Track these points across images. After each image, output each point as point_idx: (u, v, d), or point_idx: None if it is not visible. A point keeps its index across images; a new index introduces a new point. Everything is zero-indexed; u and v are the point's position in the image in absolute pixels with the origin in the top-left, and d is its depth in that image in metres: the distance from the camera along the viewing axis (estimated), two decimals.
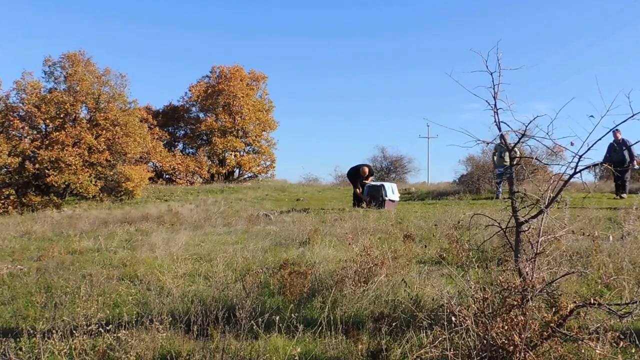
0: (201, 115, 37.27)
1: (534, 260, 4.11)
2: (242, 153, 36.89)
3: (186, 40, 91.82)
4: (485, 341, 3.59)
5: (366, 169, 16.97)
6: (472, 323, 3.64)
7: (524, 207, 4.70)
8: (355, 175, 16.86)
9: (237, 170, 37.24)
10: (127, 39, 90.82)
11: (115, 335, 4.62)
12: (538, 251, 4.16)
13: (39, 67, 29.15)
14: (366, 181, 16.61)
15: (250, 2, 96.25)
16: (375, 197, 15.31)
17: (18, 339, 4.77)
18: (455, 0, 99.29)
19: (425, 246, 7.54)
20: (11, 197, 23.10)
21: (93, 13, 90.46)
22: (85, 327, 4.57)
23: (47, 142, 23.87)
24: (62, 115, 24.56)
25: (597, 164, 4.92)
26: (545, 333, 3.53)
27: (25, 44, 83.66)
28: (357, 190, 16.43)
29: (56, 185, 23.28)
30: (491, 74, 4.68)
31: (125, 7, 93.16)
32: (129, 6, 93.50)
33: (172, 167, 32.86)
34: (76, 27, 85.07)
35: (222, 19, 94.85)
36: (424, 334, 4.32)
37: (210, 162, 35.67)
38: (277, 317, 4.60)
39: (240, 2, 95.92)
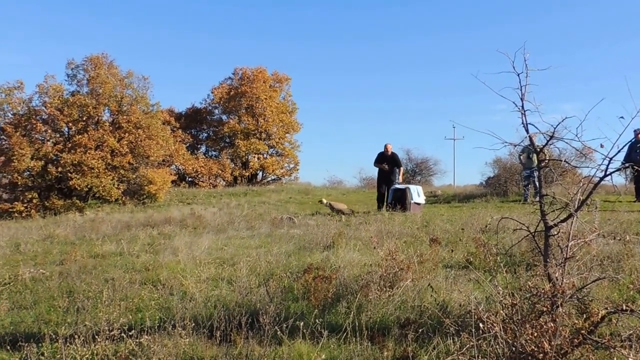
0: (224, 117, 37.49)
1: (564, 265, 4.08)
2: (265, 155, 37.01)
3: (209, 42, 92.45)
4: (514, 348, 3.57)
5: (389, 145, 16.96)
6: (500, 330, 3.62)
7: (553, 211, 4.67)
8: (380, 158, 16.89)
9: (261, 173, 37.36)
10: (150, 41, 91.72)
11: (137, 340, 4.67)
12: (568, 256, 4.12)
13: (62, 70, 29.55)
14: (386, 158, 16.60)
15: (273, 3, 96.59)
16: (401, 200, 15.27)
17: (40, 344, 4.85)
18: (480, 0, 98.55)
19: (452, 250, 7.51)
20: (34, 201, 23.42)
21: (115, 16, 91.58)
22: (107, 332, 4.63)
23: (70, 145, 24.17)
24: (84, 118, 24.86)
25: (627, 166, 4.86)
26: (575, 340, 3.50)
27: (48, 47, 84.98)
28: (384, 166, 16.48)
29: (79, 188, 23.57)
30: (518, 75, 4.66)
31: (148, 9, 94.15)
32: (152, 9, 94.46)
33: (194, 170, 33.08)
34: (99, 30, 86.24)
35: (245, 20, 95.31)
36: (451, 341, 4.30)
37: (233, 165, 35.82)
38: (302, 323, 4.62)
39: (263, 3, 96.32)
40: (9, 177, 23.89)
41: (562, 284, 3.87)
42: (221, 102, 36.60)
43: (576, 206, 4.34)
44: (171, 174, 28.16)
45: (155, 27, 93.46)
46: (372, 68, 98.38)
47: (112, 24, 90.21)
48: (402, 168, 17.03)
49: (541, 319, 3.65)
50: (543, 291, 3.81)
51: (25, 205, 23.08)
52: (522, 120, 4.70)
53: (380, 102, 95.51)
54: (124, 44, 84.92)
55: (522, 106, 4.67)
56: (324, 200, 16.17)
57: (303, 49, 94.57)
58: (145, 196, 25.24)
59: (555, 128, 4.58)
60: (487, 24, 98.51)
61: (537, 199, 15.48)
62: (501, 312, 3.86)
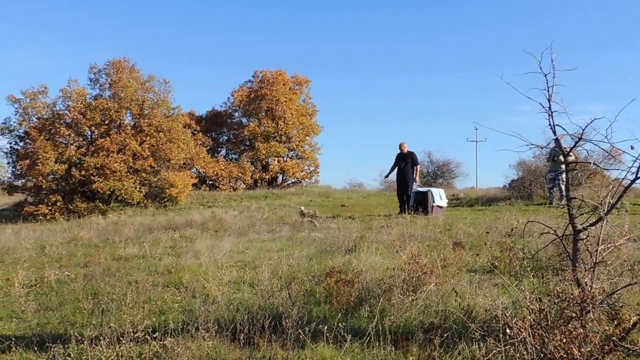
0: (244, 120, 37.56)
1: (593, 270, 4.00)
2: (285, 158, 37.02)
3: (229, 45, 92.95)
4: (542, 355, 3.50)
5: (404, 144, 16.82)
6: (529, 335, 3.55)
7: (582, 214, 4.58)
8: (397, 159, 16.79)
9: (281, 176, 37.39)
10: (170, 44, 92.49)
11: (161, 343, 4.67)
12: (597, 260, 4.04)
13: (85, 73, 29.82)
14: (404, 157, 16.56)
15: (293, 5, 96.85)
16: (422, 203, 15.16)
17: (66, 345, 4.87)
18: (503, 1, 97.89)
19: (477, 254, 7.42)
20: (58, 204, 23.65)
21: (137, 20, 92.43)
22: (132, 334, 4.64)
23: (93, 148, 24.38)
24: (107, 122, 25.06)
25: None
26: (606, 347, 3.42)
27: (70, 51, 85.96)
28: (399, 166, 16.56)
29: (101, 191, 23.76)
30: (545, 75, 4.58)
31: (169, 13, 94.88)
32: (172, 12, 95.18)
33: (215, 173, 33.17)
34: (121, 34, 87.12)
35: (266, 22, 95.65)
36: (477, 346, 4.24)
37: (253, 168, 35.88)
38: (325, 327, 4.58)
39: (283, 5, 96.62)
40: (34, 180, 24.13)
41: (591, 289, 3.79)
42: (241, 105, 36.67)
43: (606, 210, 4.25)
44: (192, 177, 28.25)
45: (175, 31, 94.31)
46: (394, 69, 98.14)
47: (134, 28, 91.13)
48: (418, 166, 16.76)
49: (570, 325, 3.58)
50: (572, 296, 3.74)
51: (49, 208, 23.31)
52: (550, 121, 4.63)
53: (402, 103, 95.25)
54: (145, 47, 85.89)
55: (550, 107, 4.59)
56: (303, 209, 16.50)
57: (324, 50, 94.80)
58: (166, 199, 25.38)
59: (584, 130, 4.49)
60: (511, 25, 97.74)
61: (563, 202, 15.31)
62: (528, 317, 3.79)
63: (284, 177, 37.45)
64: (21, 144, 25.55)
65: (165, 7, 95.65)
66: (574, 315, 3.62)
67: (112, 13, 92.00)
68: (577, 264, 4.36)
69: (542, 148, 15.62)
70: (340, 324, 4.77)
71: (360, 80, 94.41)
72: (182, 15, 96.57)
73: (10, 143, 25.96)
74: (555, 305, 3.84)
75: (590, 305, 3.66)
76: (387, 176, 18.45)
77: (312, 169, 38.14)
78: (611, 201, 4.32)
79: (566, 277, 4.66)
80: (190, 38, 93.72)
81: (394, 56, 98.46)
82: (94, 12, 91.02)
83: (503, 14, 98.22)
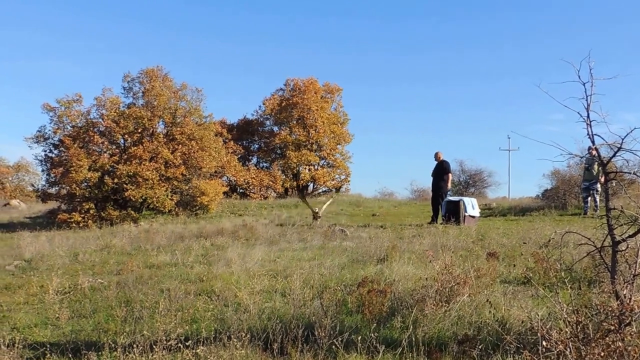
0: (275, 128, 37.70)
1: (633, 282, 3.93)
2: (316, 167, 37.08)
3: (261, 54, 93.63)
4: None
5: (438, 153, 16.83)
6: (566, 348, 3.51)
7: (620, 225, 4.51)
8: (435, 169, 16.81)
9: (311, 185, 37.44)
10: (203, 53, 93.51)
11: (194, 351, 4.71)
12: (637, 272, 3.98)
13: (119, 82, 30.31)
14: (446, 172, 16.52)
15: (326, 13, 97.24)
16: (454, 213, 15.06)
17: (100, 352, 4.94)
18: (535, 10, 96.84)
19: (514, 265, 7.34)
20: (91, 211, 23.96)
21: (171, 28, 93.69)
22: (164, 342, 4.69)
23: (125, 156, 24.68)
24: (139, 130, 25.37)
25: None
26: None
27: (105, 60, 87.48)
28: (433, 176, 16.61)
29: (134, 199, 24.02)
30: (584, 84, 4.53)
31: (202, 21, 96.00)
32: (206, 20, 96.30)
33: (246, 181, 33.36)
34: (154, 42, 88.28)
35: (297, 30, 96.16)
36: (512, 359, 4.20)
37: (284, 176, 36.00)
38: (358, 337, 4.58)
39: (317, 13, 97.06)
40: (67, 188, 24.51)
41: (630, 301, 3.72)
42: (272, 113, 36.83)
43: None
44: (223, 185, 28.43)
45: (208, 39, 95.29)
46: (427, 78, 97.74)
47: (167, 36, 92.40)
48: (449, 175, 16.71)
49: (608, 338, 3.53)
50: (610, 309, 3.69)
51: (82, 215, 23.63)
52: (588, 131, 4.57)
53: (433, 112, 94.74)
54: (178, 55, 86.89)
55: (588, 116, 4.54)
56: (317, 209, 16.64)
57: (356, 59, 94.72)
58: (197, 207, 25.57)
59: (623, 139, 4.43)
60: (548, 35, 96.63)
61: (598, 212, 15.02)
62: (565, 330, 3.74)
63: (315, 186, 37.50)
64: (55, 152, 25.97)
65: (199, 16, 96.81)
66: (612, 328, 3.56)
67: (146, 21, 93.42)
68: (615, 276, 4.30)
69: (581, 158, 15.41)
70: (372, 334, 4.77)
71: (394, 89, 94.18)
72: (216, 23, 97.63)
73: (45, 151, 26.40)
74: (592, 318, 3.79)
75: (630, 318, 3.60)
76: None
77: (342, 177, 38.13)
78: None
79: (604, 289, 4.59)
80: (223, 46, 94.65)
81: (427, 65, 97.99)
82: (129, 20, 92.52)
83: (537, 24, 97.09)
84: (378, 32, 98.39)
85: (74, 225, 22.86)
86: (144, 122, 25.11)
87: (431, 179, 17.00)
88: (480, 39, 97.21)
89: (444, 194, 16.49)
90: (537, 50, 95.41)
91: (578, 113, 4.60)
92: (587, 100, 4.55)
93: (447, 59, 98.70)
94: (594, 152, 13.47)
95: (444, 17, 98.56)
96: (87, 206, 23.98)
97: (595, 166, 15.73)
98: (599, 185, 16.03)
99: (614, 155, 4.76)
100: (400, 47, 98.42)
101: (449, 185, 16.68)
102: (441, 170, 16.63)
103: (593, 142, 4.69)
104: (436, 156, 16.82)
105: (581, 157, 15.44)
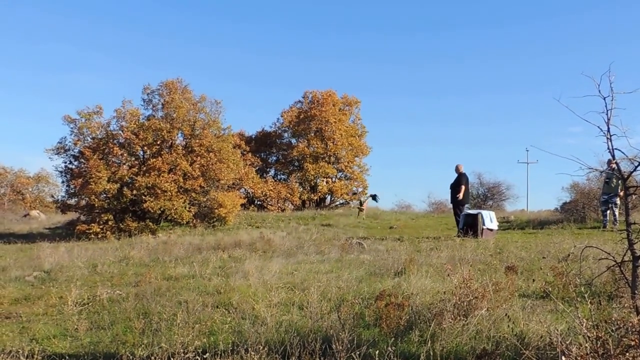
0: (293, 141, 37.82)
1: None
2: (333, 179, 37.11)
3: (280, 66, 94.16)
4: None
5: (458, 166, 16.92)
6: None
7: None
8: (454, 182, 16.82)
9: (329, 197, 37.45)
10: (222, 64, 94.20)
11: None
12: None
13: (139, 94, 30.61)
14: (460, 184, 16.50)
15: (344, 27, 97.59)
16: (472, 226, 15.00)
17: None
18: (560, 23, 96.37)
19: (533, 280, 7.29)
20: (109, 223, 24.13)
21: (190, 40, 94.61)
22: (182, 354, 4.72)
23: (145, 168, 24.84)
24: (159, 142, 25.54)
25: None
26: None
27: (125, 71, 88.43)
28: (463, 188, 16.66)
29: (152, 211, 24.15)
30: (604, 98, 4.52)
31: (221, 33, 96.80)
32: (225, 32, 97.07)
33: (263, 193, 33.45)
34: (174, 54, 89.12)
35: (317, 43, 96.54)
36: None
37: (301, 189, 36.06)
38: (376, 351, 4.57)
39: (334, 27, 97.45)
40: (87, 199, 24.72)
41: None
42: (291, 125, 36.96)
43: None
44: (240, 197, 28.53)
45: (227, 51, 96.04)
46: (446, 91, 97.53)
47: (187, 48, 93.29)
48: (461, 186, 16.77)
49: (629, 354, 3.50)
50: (631, 324, 3.65)
51: (101, 227, 23.80)
52: (608, 145, 4.55)
53: (452, 125, 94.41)
54: (198, 67, 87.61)
55: (608, 130, 4.52)
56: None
57: (375, 71, 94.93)
58: (215, 219, 25.65)
59: None
60: (568, 48, 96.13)
61: (617, 226, 14.85)
62: (585, 345, 3.72)
63: (332, 198, 37.50)
64: (75, 163, 26.21)
65: (218, 28, 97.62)
66: (633, 343, 3.53)
67: (166, 34, 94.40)
68: (636, 291, 4.26)
69: (601, 172, 15.29)
70: (390, 348, 4.75)
71: (412, 101, 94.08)
72: (235, 35, 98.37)
73: (65, 162, 26.69)
74: (613, 333, 3.76)
75: None
76: None
77: (360, 190, 38.10)
78: None
79: (624, 304, 4.55)
80: (242, 58, 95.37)
81: (446, 77, 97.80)
82: (149, 33, 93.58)
83: (560, 36, 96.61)
84: (397, 44, 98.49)
85: (92, 236, 23.03)
86: (163, 134, 25.28)
87: (449, 191, 17.11)
88: (502, 51, 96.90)
89: (460, 206, 16.55)
90: (558, 63, 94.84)
91: (598, 127, 4.59)
92: (607, 114, 4.54)
93: (466, 70, 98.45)
94: (614, 166, 13.39)
95: (466, 29, 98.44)
96: (106, 217, 24.15)
97: (614, 180, 15.62)
98: (618, 199, 15.90)
99: (634, 170, 4.72)
100: (419, 60, 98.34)
101: (461, 195, 16.69)
102: (457, 182, 16.74)
103: (613, 156, 4.67)
104: (456, 169, 16.95)
105: (601, 172, 15.33)
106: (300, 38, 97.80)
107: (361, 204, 17.11)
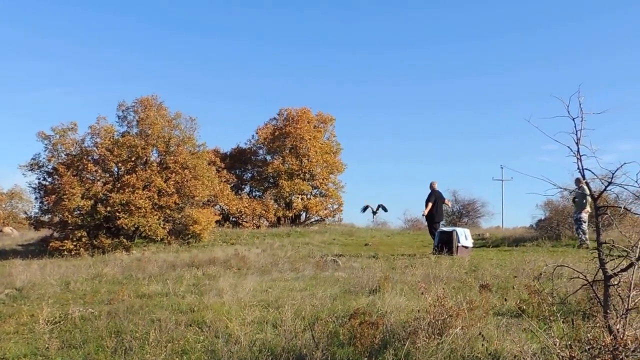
0: (268, 157, 37.77)
1: (626, 317, 3.89)
2: (309, 196, 37.07)
3: (255, 83, 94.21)
4: None
5: (434, 183, 17.01)
6: None
7: (612, 259, 4.48)
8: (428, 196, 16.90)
9: (304, 214, 37.38)
10: (197, 81, 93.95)
11: None
12: (630, 307, 3.94)
13: (113, 111, 30.44)
14: (427, 202, 16.57)
15: (318, 45, 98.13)
16: (447, 243, 15.01)
17: None
18: (532, 41, 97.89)
19: (505, 299, 7.29)
20: (83, 239, 23.85)
21: (165, 57, 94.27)
22: None
23: (119, 185, 24.63)
24: (133, 159, 25.37)
25: None
26: None
27: (101, 89, 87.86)
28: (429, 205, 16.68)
29: (126, 227, 23.91)
30: (573, 119, 4.55)
31: (196, 51, 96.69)
32: (200, 50, 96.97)
33: (238, 210, 33.29)
34: (148, 71, 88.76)
35: (291, 61, 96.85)
36: None
37: (276, 205, 35.96)
38: None
39: (309, 45, 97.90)
40: (60, 215, 24.42)
41: (623, 336, 3.68)
42: (266, 142, 36.93)
43: (637, 255, 4.16)
44: (215, 214, 28.39)
45: (201, 68, 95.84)
46: (418, 108, 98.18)
47: (161, 65, 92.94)
48: (428, 204, 16.87)
49: None
50: (603, 344, 3.64)
51: (74, 243, 23.51)
52: (578, 165, 4.57)
53: (427, 142, 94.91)
54: (172, 84, 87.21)
55: (578, 150, 4.55)
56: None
57: (348, 88, 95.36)
58: (190, 236, 25.47)
59: (613, 174, 4.42)
60: (541, 64, 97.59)
61: (585, 240, 14.96)
62: None
63: (307, 215, 37.44)
64: (49, 179, 25.93)
65: (193, 46, 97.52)
66: None
67: (141, 51, 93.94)
68: (608, 310, 4.26)
69: (571, 192, 15.45)
70: None
71: (388, 119, 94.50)
72: (210, 53, 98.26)
73: (39, 179, 26.41)
74: (586, 353, 3.74)
75: (623, 354, 3.56)
76: None
77: (335, 207, 38.11)
78: None
79: (597, 324, 4.55)
80: (217, 75, 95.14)
81: (421, 95, 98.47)
82: (124, 50, 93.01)
83: (532, 54, 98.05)
84: (370, 62, 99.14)
85: (66, 253, 22.76)
86: (137, 150, 25.11)
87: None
88: (473, 68, 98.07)
89: (435, 223, 16.64)
90: (531, 80, 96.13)
91: (568, 147, 4.62)
92: (577, 134, 4.57)
93: (441, 88, 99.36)
94: (582, 185, 13.53)
95: (436, 47, 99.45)
96: (80, 234, 23.88)
97: (576, 199, 15.95)
98: (583, 215, 16.03)
99: (604, 190, 4.75)
100: (391, 78, 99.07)
101: (425, 212, 16.85)
102: (427, 199, 16.86)
103: (583, 175, 4.70)
104: (430, 186, 17.02)
105: (570, 191, 15.49)
106: (275, 55, 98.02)
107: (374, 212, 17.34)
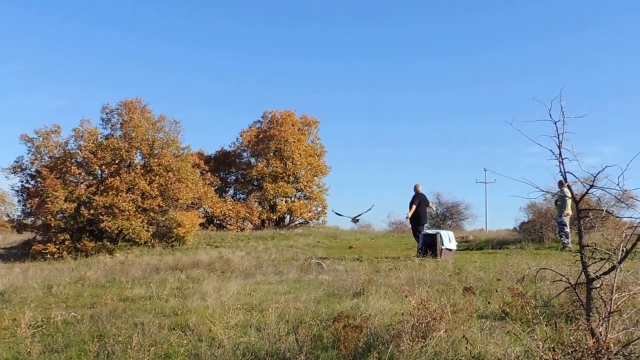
0: (252, 160, 37.67)
1: (608, 320, 3.90)
2: (293, 199, 37.01)
3: (239, 86, 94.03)
4: None
5: (418, 186, 17.01)
6: None
7: (595, 262, 4.49)
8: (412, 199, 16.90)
9: (288, 217, 37.31)
10: (182, 86, 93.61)
11: None
12: (612, 310, 3.94)
13: (97, 113, 30.18)
14: (411, 204, 16.62)
15: (301, 54, 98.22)
16: (432, 246, 15.02)
17: None
18: (514, 47, 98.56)
19: (489, 303, 7.29)
20: (66, 242, 23.66)
21: (149, 62, 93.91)
22: None
23: (102, 187, 24.47)
24: (117, 161, 25.22)
25: None
26: None
27: (84, 93, 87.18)
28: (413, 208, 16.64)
29: (109, 230, 23.77)
30: (555, 123, 4.55)
31: (182, 56, 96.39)
32: (185, 55, 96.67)
33: (222, 212, 33.17)
34: (134, 77, 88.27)
35: (276, 69, 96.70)
36: None
37: (260, 208, 35.87)
38: None
39: (293, 54, 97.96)
40: (43, 218, 24.20)
41: (606, 339, 3.68)
42: (250, 145, 36.83)
43: (620, 257, 4.17)
44: (199, 217, 28.25)
45: (187, 73, 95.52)
46: (401, 115, 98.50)
47: (146, 70, 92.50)
48: (412, 206, 16.88)
49: None
50: (586, 347, 3.64)
51: (57, 246, 23.32)
52: (560, 168, 4.58)
53: (409, 148, 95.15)
54: (157, 89, 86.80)
55: (560, 154, 4.55)
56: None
57: (333, 95, 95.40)
58: (173, 239, 25.35)
59: (595, 177, 4.43)
60: (525, 73, 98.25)
61: (567, 243, 15.00)
62: None
63: (292, 218, 37.38)
64: (32, 182, 25.74)
65: (176, 51, 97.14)
66: None
67: (126, 56, 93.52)
68: (591, 313, 4.26)
69: (553, 195, 15.52)
70: None
71: (370, 124, 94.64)
72: (193, 57, 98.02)
73: (22, 181, 26.22)
74: (569, 355, 3.74)
75: (605, 356, 3.56)
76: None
77: (319, 209, 38.09)
78: (625, 248, 4.23)
79: (580, 326, 4.55)
80: (201, 78, 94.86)
81: (405, 101, 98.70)
82: (110, 56, 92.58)
83: (515, 61, 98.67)
84: (356, 70, 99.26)
85: (48, 256, 22.59)
86: (121, 153, 24.97)
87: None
88: (458, 75, 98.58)
89: (419, 226, 16.65)
90: (515, 86, 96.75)
91: (550, 151, 4.62)
92: (559, 138, 4.57)
93: (425, 96, 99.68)
94: (565, 188, 13.61)
95: (420, 55, 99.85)
96: (62, 237, 23.68)
97: (559, 202, 16.02)
98: (564, 218, 16.11)
99: (585, 194, 4.76)
100: (377, 85, 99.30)
101: (409, 214, 16.83)
102: (411, 202, 16.87)
103: (565, 179, 4.70)
104: (415, 188, 17.05)
105: (553, 195, 15.57)
106: (259, 62, 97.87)
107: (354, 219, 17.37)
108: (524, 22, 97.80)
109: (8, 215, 38.02)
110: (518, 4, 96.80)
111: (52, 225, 23.86)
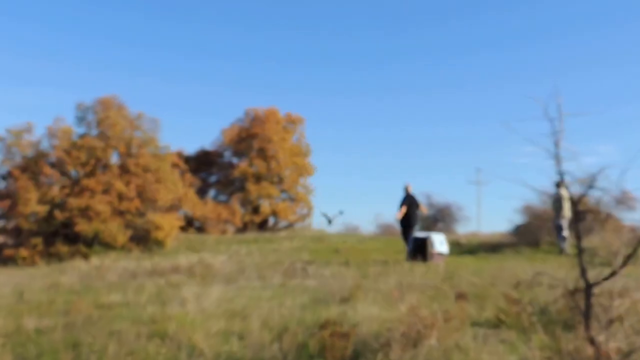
0: (234, 160, 37.40)
1: (609, 328, 3.87)
2: (277, 200, 36.87)
3: (219, 88, 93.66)
4: None
5: (409, 187, 17.04)
6: None
7: (595, 267, 4.47)
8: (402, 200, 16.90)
9: (272, 219, 37.18)
10: (160, 84, 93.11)
11: None
12: (612, 317, 3.92)
13: (72, 113, 29.81)
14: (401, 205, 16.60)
15: (292, 55, 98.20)
16: (422, 250, 15.02)
17: None
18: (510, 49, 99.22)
19: (483, 309, 7.28)
20: (38, 247, 23.39)
21: (127, 62, 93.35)
22: None
23: (77, 189, 24.23)
24: (92, 162, 24.97)
25: None
26: None
27: (59, 94, 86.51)
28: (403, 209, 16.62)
29: (85, 234, 23.55)
30: (551, 121, 4.52)
31: (159, 56, 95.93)
32: (163, 55, 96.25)
33: (203, 215, 32.97)
34: (110, 76, 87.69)
35: (258, 70, 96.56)
36: None
37: (243, 210, 35.69)
38: None
39: (282, 56, 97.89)
40: (14, 221, 23.96)
41: (606, 348, 3.66)
42: (232, 144, 36.61)
43: (621, 262, 4.15)
44: (179, 219, 28.05)
45: (165, 71, 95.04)
46: (391, 119, 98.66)
47: (123, 70, 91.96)
48: (402, 207, 16.90)
49: None
50: (585, 356, 3.62)
51: (29, 251, 23.07)
52: (557, 168, 4.55)
53: (399, 150, 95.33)
54: (134, 92, 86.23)
55: (557, 153, 4.52)
56: None
57: (321, 99, 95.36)
58: (152, 242, 25.14)
59: (594, 178, 4.41)
60: (516, 76, 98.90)
61: (565, 246, 15.03)
62: None
63: (276, 220, 37.25)
64: (3, 183, 25.46)
65: (154, 51, 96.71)
66: None
67: (101, 55, 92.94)
68: (590, 321, 4.24)
69: (549, 197, 15.54)
70: None
71: (358, 129, 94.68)
72: (172, 57, 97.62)
73: None
74: None
75: None
76: None
77: (305, 211, 37.96)
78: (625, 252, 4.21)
79: (578, 335, 4.53)
80: (178, 81, 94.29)
81: (395, 106, 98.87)
82: (81, 54, 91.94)
83: (510, 63, 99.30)
84: (347, 75, 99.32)
85: (20, 261, 22.31)
86: (97, 152, 24.76)
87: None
88: (449, 80, 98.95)
89: (409, 228, 16.64)
90: (512, 88, 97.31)
91: (547, 150, 4.59)
92: (556, 136, 4.54)
93: (414, 100, 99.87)
94: (561, 189, 13.68)
95: (411, 58, 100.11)
96: (35, 241, 23.40)
97: (560, 201, 15.99)
98: (562, 221, 16.16)
99: (584, 195, 4.74)
100: (368, 90, 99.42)
101: (398, 216, 16.87)
102: (400, 203, 16.88)
103: (562, 179, 4.68)
104: (405, 189, 17.05)
105: (549, 196, 15.61)
106: (239, 66, 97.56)
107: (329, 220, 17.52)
108: (516, 25, 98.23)
109: None
110: (506, 9, 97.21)
111: (24, 228, 23.62)
